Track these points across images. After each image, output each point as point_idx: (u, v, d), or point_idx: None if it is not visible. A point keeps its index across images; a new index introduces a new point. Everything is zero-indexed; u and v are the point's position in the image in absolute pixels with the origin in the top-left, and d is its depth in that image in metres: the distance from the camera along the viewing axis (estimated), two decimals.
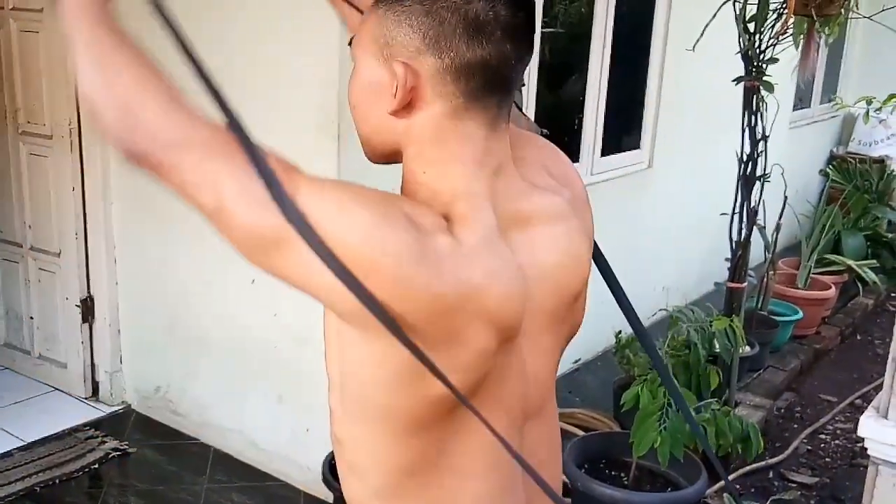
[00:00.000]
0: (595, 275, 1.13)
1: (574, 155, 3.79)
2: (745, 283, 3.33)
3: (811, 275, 4.75)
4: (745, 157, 3.19)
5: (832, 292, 4.75)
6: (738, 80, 3.15)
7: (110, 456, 3.15)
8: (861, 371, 4.35)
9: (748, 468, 3.26)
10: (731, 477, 3.11)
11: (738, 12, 3.05)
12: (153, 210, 3.23)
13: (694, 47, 3.12)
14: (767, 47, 3.09)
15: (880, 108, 6.25)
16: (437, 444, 0.98)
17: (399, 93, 0.95)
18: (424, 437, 0.97)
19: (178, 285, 3.23)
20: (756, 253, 3.54)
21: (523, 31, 0.97)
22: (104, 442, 3.24)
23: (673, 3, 4.21)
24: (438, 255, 0.90)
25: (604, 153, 4.09)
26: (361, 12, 1.12)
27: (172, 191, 0.93)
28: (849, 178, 6.13)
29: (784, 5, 3.02)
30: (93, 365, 3.54)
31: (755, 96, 3.12)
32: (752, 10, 3.07)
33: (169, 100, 0.91)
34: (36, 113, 3.43)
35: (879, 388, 2.23)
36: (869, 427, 2.12)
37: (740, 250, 3.26)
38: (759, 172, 3.18)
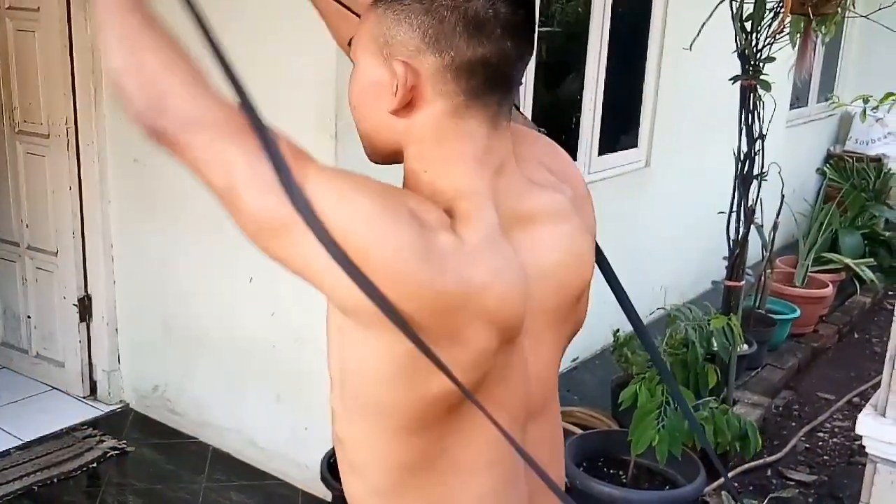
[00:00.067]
0: (594, 273, 1.13)
1: (571, 154, 3.77)
2: (743, 282, 3.34)
3: (809, 273, 4.76)
4: (742, 156, 3.20)
5: (830, 290, 4.75)
6: (734, 78, 3.15)
7: (108, 455, 3.15)
8: (859, 369, 4.36)
9: (746, 466, 3.26)
10: (729, 475, 3.12)
11: (734, 11, 3.06)
12: (151, 209, 3.23)
13: (691, 46, 3.12)
14: (764, 46, 3.09)
15: (877, 106, 6.27)
16: (438, 441, 0.98)
17: (399, 92, 0.94)
18: (425, 435, 0.97)
19: (176, 284, 3.23)
20: (754, 251, 3.55)
21: (523, 28, 0.97)
22: (102, 441, 3.24)
23: (670, 2, 4.22)
24: (441, 252, 0.90)
25: (601, 152, 4.09)
26: (358, 15, 1.12)
27: (186, 167, 0.94)
28: (846, 176, 6.13)
29: (781, 4, 3.03)
30: (90, 364, 3.54)
31: (752, 95, 3.13)
32: (748, 8, 3.08)
33: (192, 80, 0.93)
34: (32, 112, 3.42)
35: (877, 386, 2.24)
36: (867, 425, 2.12)
37: (738, 249, 3.27)
38: (756, 171, 3.19)
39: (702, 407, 2.85)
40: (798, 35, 3.12)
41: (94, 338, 3.51)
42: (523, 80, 1.10)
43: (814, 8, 3.02)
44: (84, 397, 3.55)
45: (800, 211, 5.28)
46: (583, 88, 3.96)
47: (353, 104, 1.02)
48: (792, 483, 3.25)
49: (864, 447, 2.16)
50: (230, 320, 3.09)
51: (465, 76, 0.94)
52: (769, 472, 3.33)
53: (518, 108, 1.21)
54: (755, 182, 3.20)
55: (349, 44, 1.03)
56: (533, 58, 1.07)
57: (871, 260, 5.18)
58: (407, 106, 0.96)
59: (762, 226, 3.58)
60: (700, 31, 3.06)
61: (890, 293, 5.50)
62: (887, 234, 5.57)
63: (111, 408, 3.50)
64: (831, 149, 6.98)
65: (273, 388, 3.01)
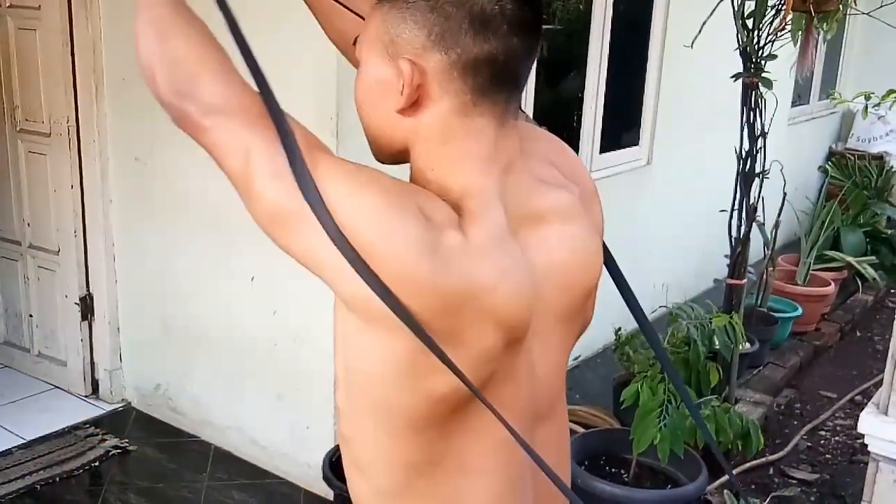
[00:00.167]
0: (602, 272, 1.12)
1: None
2: (745, 280, 3.33)
3: (811, 271, 4.75)
4: (743, 154, 3.19)
5: (832, 289, 4.75)
6: (736, 76, 3.15)
7: (110, 454, 3.15)
8: (861, 367, 4.35)
9: (748, 465, 3.26)
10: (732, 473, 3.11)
11: (736, 8, 3.05)
12: (152, 208, 3.23)
13: (692, 44, 3.11)
14: (766, 44, 3.08)
15: (879, 103, 6.24)
16: (444, 441, 0.97)
17: (406, 90, 0.94)
18: (432, 435, 0.97)
19: (177, 283, 3.23)
20: (755, 249, 3.54)
21: (530, 25, 0.96)
22: (104, 440, 3.24)
23: (671, 0, 4.21)
24: (447, 250, 0.89)
25: (602, 150, 4.09)
26: (351, 10, 1.11)
27: (207, 151, 0.96)
28: (848, 174, 6.12)
29: (782, 1, 3.02)
30: (92, 363, 3.54)
31: (754, 93, 3.12)
32: (750, 6, 3.07)
33: (219, 67, 0.95)
34: (34, 111, 3.42)
35: (879, 384, 2.23)
36: (869, 423, 2.12)
37: (740, 247, 3.26)
38: (758, 169, 3.18)
39: (704, 405, 2.85)
40: (800, 32, 3.12)
41: (96, 337, 3.51)
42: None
43: (815, 5, 3.02)
44: (86, 396, 3.55)
45: (801, 209, 5.28)
46: (584, 86, 3.96)
47: (359, 103, 1.01)
48: (794, 481, 3.25)
49: (866, 445, 2.16)
50: (232, 319, 3.09)
51: (472, 74, 0.94)
52: (771, 471, 3.33)
53: (519, 107, 1.21)
54: (757, 180, 3.19)
55: (354, 42, 1.03)
56: None
57: (873, 258, 5.18)
58: (413, 105, 0.95)
59: (764, 224, 3.58)
60: (701, 29, 3.06)
61: (892, 291, 5.50)
62: (889, 231, 5.57)
63: (113, 407, 3.50)
64: (833, 146, 6.97)
65: (274, 387, 3.01)
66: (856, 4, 3.37)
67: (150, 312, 3.36)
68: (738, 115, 3.18)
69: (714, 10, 3.01)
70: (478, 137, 0.96)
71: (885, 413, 2.11)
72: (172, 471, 3.08)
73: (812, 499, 3.18)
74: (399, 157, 1.01)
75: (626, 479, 2.77)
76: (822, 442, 3.61)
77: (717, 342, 3.06)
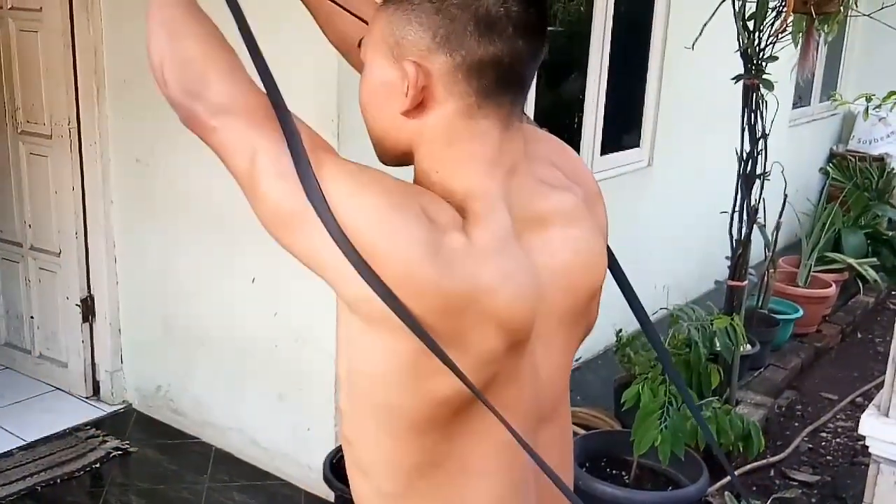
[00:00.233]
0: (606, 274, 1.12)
1: None
2: (746, 282, 3.33)
3: (812, 273, 4.75)
4: (744, 156, 3.19)
5: (833, 290, 4.75)
6: (737, 78, 3.15)
7: (111, 455, 3.15)
8: (862, 369, 4.35)
9: (749, 466, 3.26)
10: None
11: (737, 10, 3.05)
12: (153, 209, 3.23)
13: (693, 45, 3.11)
14: (767, 45, 3.08)
15: (880, 105, 6.24)
16: (447, 443, 0.97)
17: (410, 92, 0.94)
18: (434, 436, 0.96)
19: (178, 284, 3.23)
20: (756, 251, 3.54)
21: (536, 27, 0.95)
22: (105, 441, 3.24)
23: (672, 2, 4.21)
24: (450, 252, 0.89)
25: (603, 151, 4.09)
26: (364, 21, 1.11)
27: (214, 151, 0.97)
28: (849, 176, 6.12)
29: (783, 3, 3.02)
30: (93, 364, 3.54)
31: (755, 94, 3.12)
32: (751, 7, 3.07)
33: (228, 68, 0.96)
34: (35, 112, 3.42)
35: (880, 386, 2.23)
36: (870, 425, 2.12)
37: (740, 248, 3.26)
38: (758, 171, 3.18)
39: (705, 407, 2.85)
40: (800, 34, 3.12)
41: (97, 338, 3.51)
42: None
43: (816, 7, 3.02)
44: (87, 397, 3.55)
45: (803, 210, 5.28)
46: (585, 88, 3.96)
47: (364, 105, 1.01)
48: (795, 483, 3.25)
49: (867, 447, 2.16)
50: (233, 320, 3.09)
51: (477, 76, 0.93)
52: (772, 473, 3.33)
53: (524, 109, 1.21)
54: (758, 181, 3.19)
55: (359, 45, 1.03)
56: None
57: (875, 259, 5.17)
58: (418, 107, 0.95)
59: (765, 225, 3.57)
60: (702, 31, 3.06)
61: (893, 293, 5.49)
62: (890, 233, 5.56)
63: (114, 408, 3.50)
64: (834, 148, 6.97)
65: (275, 388, 3.01)
66: (857, 6, 3.37)
67: (152, 314, 3.36)
68: (738, 116, 3.18)
69: (715, 11, 3.02)
70: (482, 140, 0.96)
71: (886, 415, 2.11)
72: (173, 472, 3.08)
73: (813, 500, 3.18)
74: (403, 158, 1.01)
75: (627, 481, 2.77)
76: (823, 444, 3.61)
77: (718, 344, 3.06)
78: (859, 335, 4.88)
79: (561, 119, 4.02)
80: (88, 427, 3.35)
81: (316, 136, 0.94)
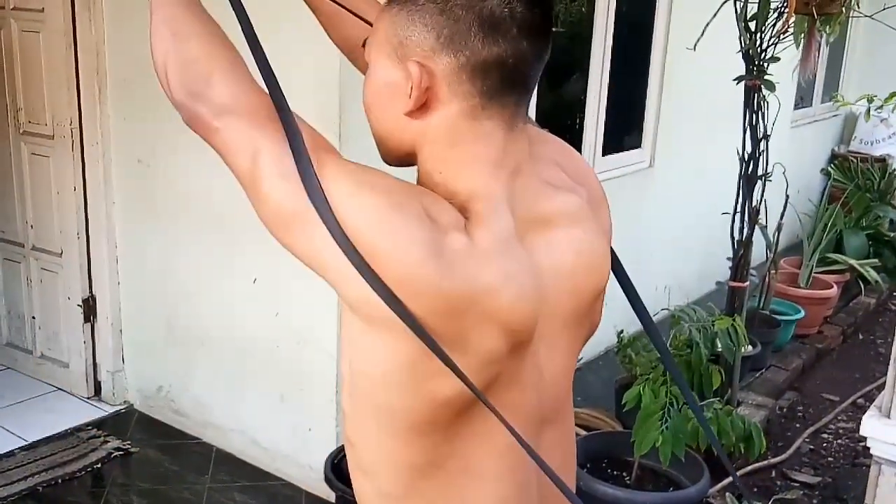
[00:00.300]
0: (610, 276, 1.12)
1: None
2: (747, 283, 3.33)
3: (813, 274, 4.75)
4: (746, 157, 3.19)
5: (834, 291, 4.74)
6: (739, 79, 3.15)
7: (113, 455, 3.15)
8: (863, 370, 4.35)
9: (751, 467, 3.26)
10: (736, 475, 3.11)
11: (738, 11, 3.05)
12: (154, 209, 3.23)
13: (695, 46, 3.11)
14: (768, 46, 3.08)
15: (881, 106, 6.25)
16: (448, 444, 0.97)
17: (414, 93, 0.93)
18: (435, 438, 0.96)
19: (179, 285, 3.23)
20: (758, 252, 3.54)
21: (540, 27, 0.95)
22: (106, 441, 3.24)
23: (673, 2, 4.21)
24: (451, 252, 0.89)
25: (605, 152, 4.09)
26: (368, 23, 1.11)
27: (216, 151, 0.97)
28: (850, 177, 6.12)
29: (785, 4, 3.02)
30: (95, 364, 3.55)
31: (756, 95, 3.12)
32: (752, 8, 3.07)
33: (230, 68, 0.96)
34: (37, 113, 3.43)
35: (882, 387, 2.23)
36: (871, 426, 2.11)
37: (742, 249, 3.26)
38: (760, 171, 3.18)
39: (706, 408, 2.85)
40: (802, 35, 3.12)
41: (99, 338, 3.51)
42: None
43: (818, 8, 3.02)
44: (88, 398, 3.55)
45: (804, 211, 5.28)
46: (586, 89, 3.96)
47: (368, 106, 1.01)
48: (796, 484, 3.25)
49: (868, 449, 2.15)
50: (234, 320, 3.09)
51: (481, 76, 0.93)
52: (773, 474, 3.33)
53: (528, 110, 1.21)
54: (759, 182, 3.19)
55: (363, 45, 1.03)
56: None
57: (876, 261, 5.17)
58: (422, 107, 0.95)
59: (766, 226, 3.57)
60: (704, 31, 3.06)
61: (894, 294, 5.49)
62: (892, 234, 5.55)
63: (115, 408, 3.50)
64: (836, 149, 6.97)
65: (276, 389, 3.01)
66: (858, 7, 3.37)
67: (153, 314, 3.37)
68: (740, 117, 3.18)
69: (717, 12, 3.02)
70: (486, 141, 0.96)
71: (888, 416, 2.11)
72: (174, 472, 3.08)
73: (814, 502, 3.17)
74: (407, 159, 1.01)
75: (628, 482, 2.77)
76: (824, 445, 3.60)
77: (719, 345, 3.06)
78: (861, 336, 4.87)
79: (562, 120, 4.02)
80: (90, 427, 3.35)
81: (318, 137, 0.94)
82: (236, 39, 0.99)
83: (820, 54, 5.33)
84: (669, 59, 4.25)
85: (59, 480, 2.99)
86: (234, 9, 0.97)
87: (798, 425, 3.75)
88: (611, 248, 1.11)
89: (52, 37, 3.28)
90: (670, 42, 4.22)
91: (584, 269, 1.03)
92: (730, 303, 3.33)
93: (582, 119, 3.95)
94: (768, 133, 3.16)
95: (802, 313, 4.37)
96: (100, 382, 3.55)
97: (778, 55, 3.11)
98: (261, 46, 0.94)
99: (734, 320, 3.10)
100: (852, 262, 4.97)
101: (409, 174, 1.00)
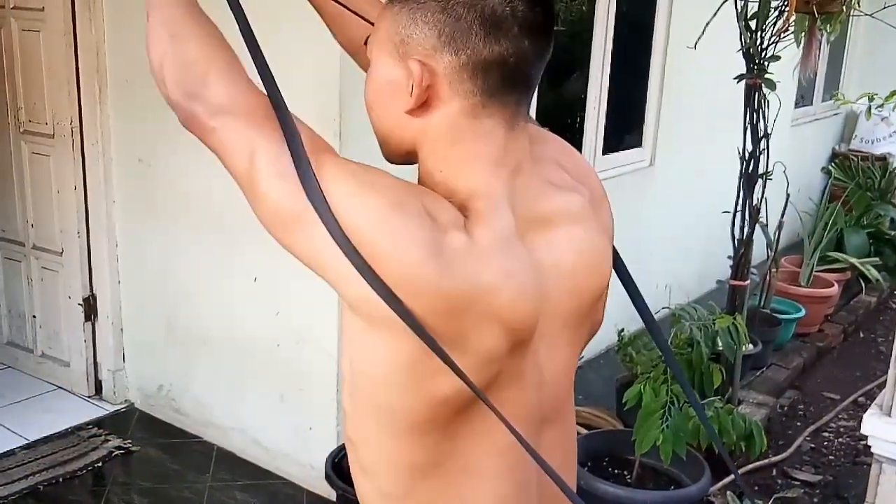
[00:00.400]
0: (612, 275, 1.12)
1: None
2: (748, 281, 3.33)
3: (814, 272, 4.75)
4: (746, 155, 3.19)
5: (835, 290, 4.74)
6: (739, 77, 3.15)
7: (113, 454, 3.16)
8: (864, 369, 4.35)
9: (751, 466, 3.26)
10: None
11: (739, 10, 3.05)
12: (155, 208, 3.23)
13: (695, 45, 3.11)
14: (769, 45, 3.08)
15: (882, 105, 6.24)
16: (449, 443, 0.97)
17: (415, 91, 0.93)
18: (435, 437, 0.96)
19: (180, 284, 3.23)
20: (758, 251, 3.54)
21: (542, 26, 0.95)
22: (107, 440, 3.24)
23: (674, 1, 4.21)
24: (451, 251, 0.89)
25: (605, 151, 4.09)
26: (371, 24, 1.11)
27: (213, 151, 0.97)
28: (851, 175, 6.12)
29: (785, 3, 3.02)
30: (96, 363, 3.55)
31: (757, 94, 3.12)
32: (753, 7, 3.07)
33: (227, 68, 0.96)
34: (38, 112, 3.43)
35: (883, 385, 2.23)
36: (872, 425, 2.12)
37: (742, 248, 3.26)
38: (761, 170, 3.18)
39: (707, 407, 2.85)
40: (803, 34, 3.12)
41: (99, 337, 3.51)
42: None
43: (819, 6, 3.02)
44: (89, 397, 3.55)
45: (805, 210, 5.27)
46: (587, 87, 3.96)
47: (369, 104, 1.01)
48: (797, 483, 3.25)
49: (869, 447, 2.16)
50: (234, 320, 3.09)
51: (482, 75, 0.93)
52: (774, 472, 3.33)
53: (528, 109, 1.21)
54: (760, 181, 3.19)
55: (365, 43, 1.03)
56: None
57: (877, 259, 5.17)
58: (423, 105, 0.95)
59: (767, 225, 3.57)
60: (704, 30, 3.06)
61: (895, 292, 5.49)
62: (893, 233, 5.56)
63: (116, 407, 3.50)
64: (836, 148, 6.96)
65: (277, 388, 3.01)
66: (859, 6, 3.37)
67: (153, 313, 3.37)
68: (741, 116, 3.17)
69: (717, 11, 3.01)
70: (487, 139, 0.96)
71: (889, 414, 2.11)
72: (175, 471, 3.08)
73: (815, 500, 3.17)
74: (408, 157, 1.01)
75: (629, 480, 2.77)
76: (825, 443, 3.60)
77: (720, 343, 3.06)
78: (861, 335, 4.87)
79: (563, 119, 4.02)
80: (90, 426, 3.35)
81: (316, 137, 0.94)
82: (235, 40, 0.99)
83: (820, 53, 5.32)
84: (670, 57, 4.25)
85: (60, 479, 2.99)
86: (231, 8, 0.96)
87: (799, 424, 3.75)
88: (613, 247, 1.11)
89: (52, 36, 3.28)
90: (671, 41, 4.21)
91: (584, 268, 1.03)
92: (730, 301, 3.33)
93: (582, 118, 3.95)
94: (769, 132, 3.15)
95: (803, 312, 4.37)
96: (100, 381, 3.56)
97: (778, 54, 3.11)
98: (258, 46, 0.94)
99: (735, 319, 3.10)
100: (853, 260, 4.97)
101: (409, 174, 1.00)
